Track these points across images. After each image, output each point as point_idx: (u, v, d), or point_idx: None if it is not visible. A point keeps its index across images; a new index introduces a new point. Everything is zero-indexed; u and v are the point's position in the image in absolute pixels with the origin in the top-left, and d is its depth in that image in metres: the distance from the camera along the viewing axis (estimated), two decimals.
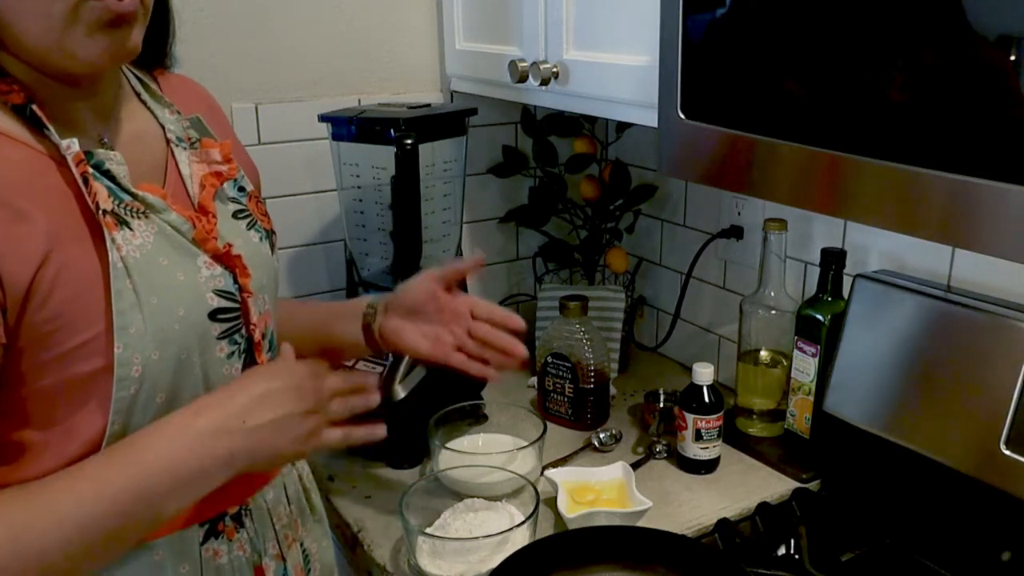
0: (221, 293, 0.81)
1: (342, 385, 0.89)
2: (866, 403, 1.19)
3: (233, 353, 0.83)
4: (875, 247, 1.29)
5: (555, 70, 1.24)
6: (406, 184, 1.26)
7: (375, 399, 0.92)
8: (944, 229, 0.75)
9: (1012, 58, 0.66)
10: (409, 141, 1.24)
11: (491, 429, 1.35)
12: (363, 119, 1.31)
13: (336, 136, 1.38)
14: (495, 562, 1.00)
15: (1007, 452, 1.02)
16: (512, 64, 1.29)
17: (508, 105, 1.53)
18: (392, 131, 1.27)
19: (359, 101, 1.53)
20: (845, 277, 1.27)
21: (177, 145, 0.86)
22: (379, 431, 0.91)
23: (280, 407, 0.80)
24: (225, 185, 0.88)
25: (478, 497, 1.18)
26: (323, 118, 1.37)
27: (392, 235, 1.38)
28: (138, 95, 0.87)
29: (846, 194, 0.82)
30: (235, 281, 0.83)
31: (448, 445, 1.26)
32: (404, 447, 1.33)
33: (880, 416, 1.17)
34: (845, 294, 1.26)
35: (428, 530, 1.10)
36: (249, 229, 0.89)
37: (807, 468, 1.29)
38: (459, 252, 1.50)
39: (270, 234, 0.93)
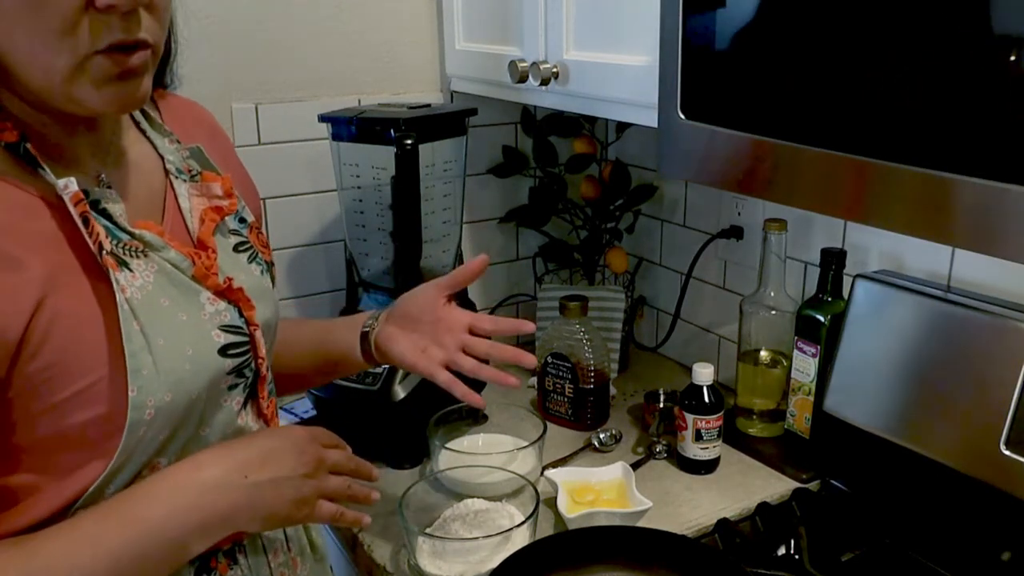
0: (228, 328, 0.79)
1: (343, 461, 0.88)
2: (866, 403, 1.19)
3: (237, 386, 0.82)
4: (875, 247, 1.29)
5: (555, 70, 1.24)
6: (406, 184, 1.26)
7: (376, 496, 0.90)
8: (942, 228, 0.75)
9: (1012, 58, 0.66)
10: (409, 141, 1.24)
11: (491, 429, 1.35)
12: (363, 119, 1.32)
13: (336, 136, 1.38)
14: (495, 562, 1.00)
15: (1007, 452, 1.02)
16: (512, 64, 1.29)
17: (508, 105, 1.53)
18: (392, 131, 1.27)
19: (359, 101, 1.53)
20: (845, 277, 1.27)
21: (177, 177, 0.83)
22: (366, 520, 0.89)
23: (280, 467, 0.79)
24: (226, 218, 0.86)
25: (478, 497, 1.18)
26: (323, 118, 1.37)
27: (392, 235, 1.38)
28: (137, 124, 0.84)
29: (847, 194, 0.82)
30: (240, 315, 0.81)
31: (448, 445, 1.26)
32: (404, 447, 1.33)
33: (880, 416, 1.17)
34: (845, 294, 1.26)
35: (428, 530, 1.10)
36: (250, 262, 0.87)
37: (807, 468, 1.29)
38: (459, 252, 1.50)
39: (270, 266, 0.91)
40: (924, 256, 1.23)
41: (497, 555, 1.03)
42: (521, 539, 1.06)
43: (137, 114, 0.84)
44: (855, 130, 0.79)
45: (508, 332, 1.02)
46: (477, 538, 1.06)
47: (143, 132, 0.84)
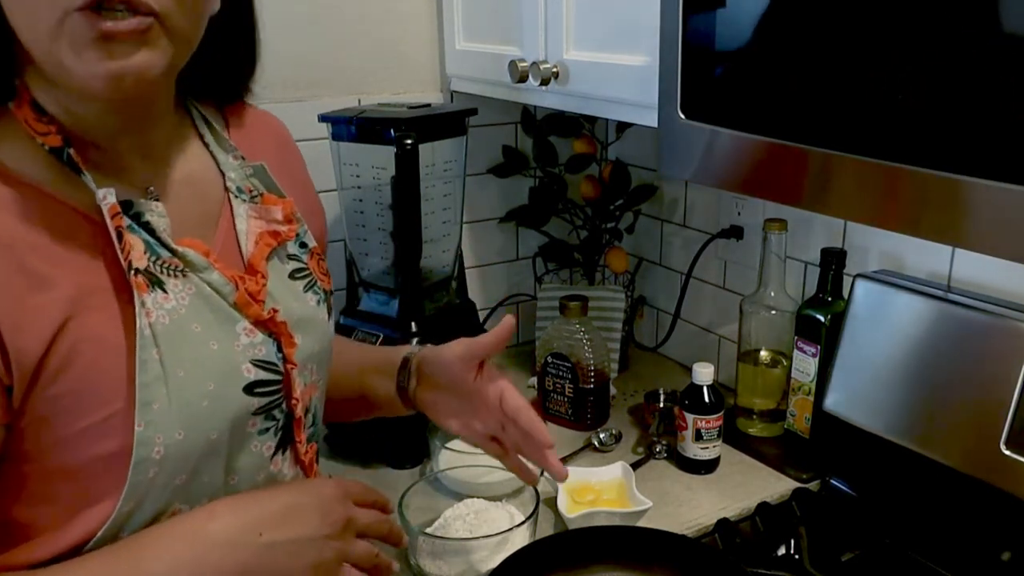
0: (260, 363, 0.74)
1: (375, 524, 0.81)
2: (866, 403, 1.19)
3: (267, 430, 0.76)
4: (875, 247, 1.29)
5: (555, 70, 1.24)
6: (406, 184, 1.26)
7: (396, 567, 0.84)
8: (929, 226, 0.75)
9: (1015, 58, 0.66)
10: (409, 141, 1.24)
11: None
12: (363, 119, 1.31)
13: (336, 136, 1.38)
14: (495, 562, 1.00)
15: (1007, 452, 1.02)
16: (512, 64, 1.29)
17: (508, 105, 1.53)
18: (392, 131, 1.27)
19: (359, 101, 1.53)
20: (845, 277, 1.27)
21: (236, 196, 0.79)
22: None
23: (302, 527, 0.72)
24: (286, 243, 0.81)
25: (478, 497, 1.18)
26: (323, 118, 1.37)
27: (392, 235, 1.39)
28: (201, 136, 0.80)
29: (848, 194, 0.82)
30: (279, 350, 0.76)
31: (448, 445, 1.26)
32: (404, 447, 1.33)
33: (880, 416, 1.17)
34: (845, 294, 1.26)
35: (428, 530, 1.10)
36: (307, 291, 0.82)
37: (807, 468, 1.29)
38: (459, 252, 1.50)
39: (328, 295, 0.86)
40: (924, 256, 1.23)
41: (497, 555, 1.03)
42: (521, 539, 1.06)
43: (201, 126, 0.80)
44: (857, 130, 0.79)
45: (526, 431, 0.90)
46: (477, 538, 1.06)
47: (206, 146, 0.80)
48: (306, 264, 0.84)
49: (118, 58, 0.61)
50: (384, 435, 1.32)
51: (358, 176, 1.40)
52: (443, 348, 0.95)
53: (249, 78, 0.82)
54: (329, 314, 0.86)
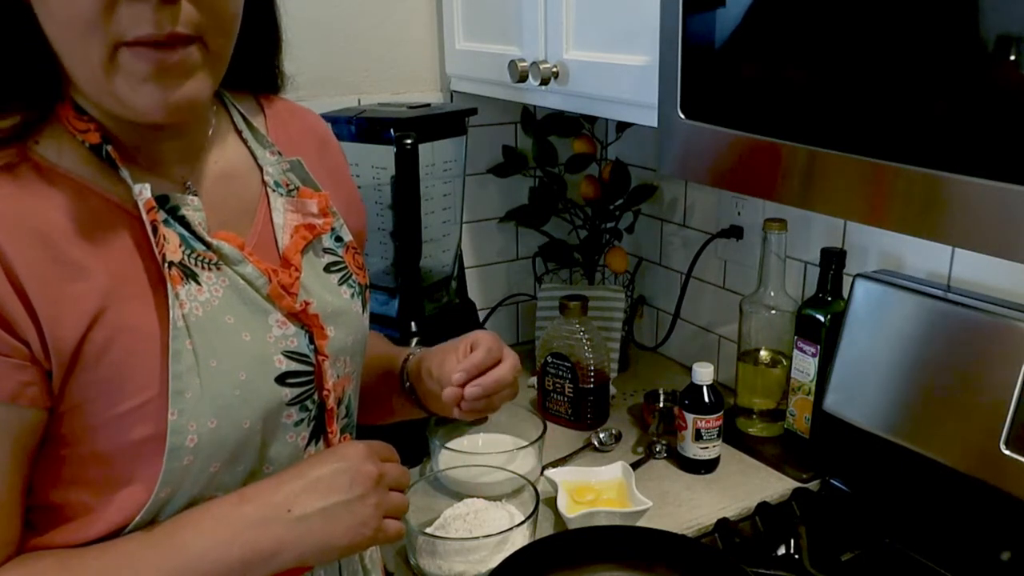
0: (292, 355, 0.75)
1: (402, 478, 0.82)
2: (866, 403, 1.19)
3: (302, 421, 0.77)
4: (875, 247, 1.29)
5: (555, 70, 1.24)
6: (406, 184, 1.26)
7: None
8: (937, 227, 0.75)
9: (1012, 58, 0.66)
10: (409, 141, 1.24)
11: (491, 429, 1.35)
12: (363, 119, 1.31)
13: (336, 136, 1.38)
14: (495, 562, 1.00)
15: (1007, 452, 1.02)
16: (512, 64, 1.29)
17: (508, 105, 1.53)
18: (392, 131, 1.27)
19: (359, 101, 1.53)
20: (845, 277, 1.27)
21: (274, 190, 0.80)
22: None
23: (330, 494, 0.73)
24: (322, 236, 0.82)
25: (478, 497, 1.18)
26: (323, 118, 1.36)
27: (392, 235, 1.39)
28: (239, 132, 0.81)
29: (846, 194, 0.82)
30: (311, 342, 0.77)
31: (448, 445, 1.26)
32: (404, 447, 1.32)
33: (880, 416, 1.17)
34: (845, 294, 1.26)
35: (428, 530, 1.10)
36: (341, 284, 0.83)
37: (807, 468, 1.29)
38: (459, 252, 1.50)
39: (364, 289, 0.86)
40: (924, 256, 1.23)
41: (497, 555, 1.03)
42: (521, 539, 1.06)
43: (240, 121, 0.81)
44: (856, 130, 0.79)
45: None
46: (477, 538, 1.06)
47: (244, 141, 0.81)
48: (341, 257, 0.84)
49: (173, 89, 0.64)
50: (384, 435, 1.32)
51: (358, 176, 1.40)
52: (438, 352, 0.94)
53: (275, 59, 0.83)
54: (364, 308, 0.86)
